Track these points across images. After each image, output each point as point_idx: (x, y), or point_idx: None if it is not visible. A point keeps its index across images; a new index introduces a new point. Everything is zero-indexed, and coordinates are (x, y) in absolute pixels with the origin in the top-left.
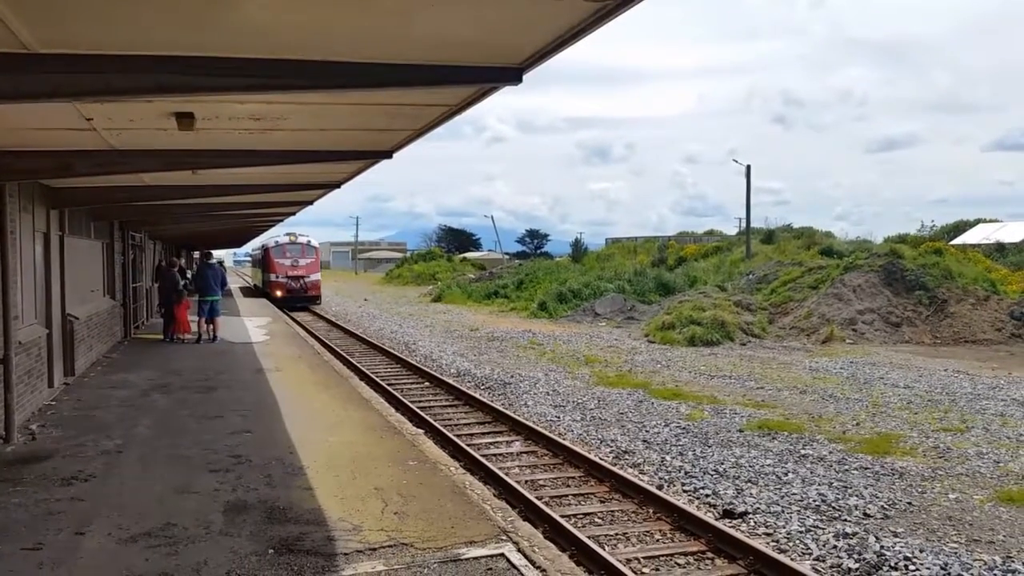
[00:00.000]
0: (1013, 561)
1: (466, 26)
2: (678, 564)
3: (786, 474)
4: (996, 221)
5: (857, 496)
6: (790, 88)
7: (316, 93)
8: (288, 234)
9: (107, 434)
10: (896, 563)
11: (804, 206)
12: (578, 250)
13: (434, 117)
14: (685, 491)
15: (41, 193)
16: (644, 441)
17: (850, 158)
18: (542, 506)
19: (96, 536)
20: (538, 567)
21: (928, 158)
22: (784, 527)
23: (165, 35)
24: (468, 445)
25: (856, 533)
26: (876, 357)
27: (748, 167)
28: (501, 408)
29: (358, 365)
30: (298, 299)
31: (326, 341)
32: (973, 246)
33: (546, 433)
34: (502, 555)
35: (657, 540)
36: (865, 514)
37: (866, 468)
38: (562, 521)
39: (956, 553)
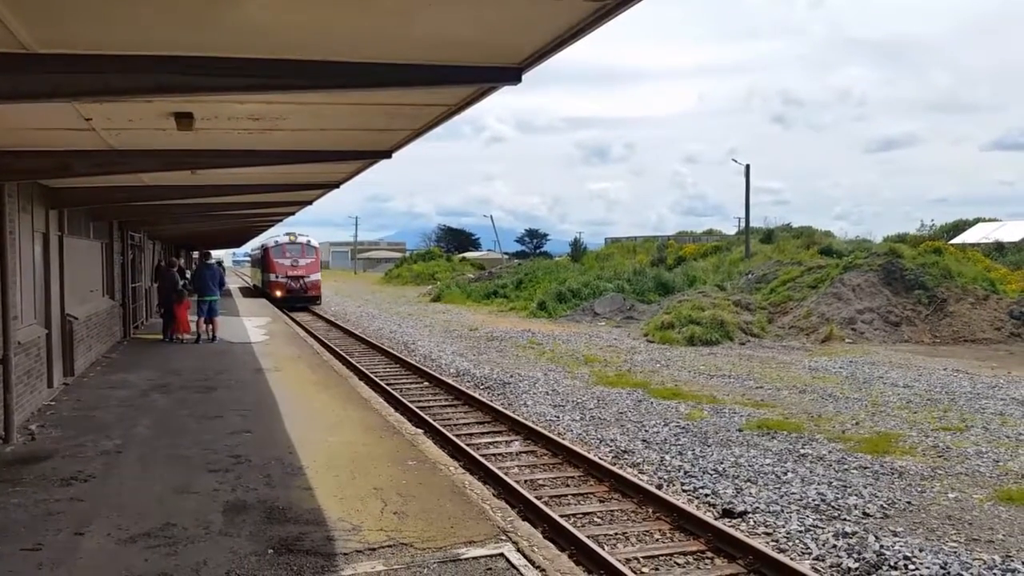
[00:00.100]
0: (1012, 560)
1: (466, 26)
2: (677, 564)
3: (785, 473)
4: (995, 220)
5: (856, 495)
6: (790, 88)
7: (316, 93)
8: (288, 234)
9: (106, 434)
10: (896, 562)
11: (803, 206)
12: (577, 250)
13: (433, 117)
14: (684, 490)
15: (40, 193)
16: (643, 440)
17: (849, 158)
18: (541, 506)
19: (95, 536)
20: (537, 567)
21: (927, 158)
22: (783, 526)
23: (165, 35)
24: (467, 445)
25: (856, 532)
26: (875, 356)
27: (747, 167)
28: (500, 408)
29: (357, 365)
30: (298, 299)
31: (325, 341)
32: (972, 245)
33: (545, 433)
34: (501, 555)
35: (656, 540)
36: (865, 513)
37: (865, 467)
38: (561, 521)
39: (955, 552)
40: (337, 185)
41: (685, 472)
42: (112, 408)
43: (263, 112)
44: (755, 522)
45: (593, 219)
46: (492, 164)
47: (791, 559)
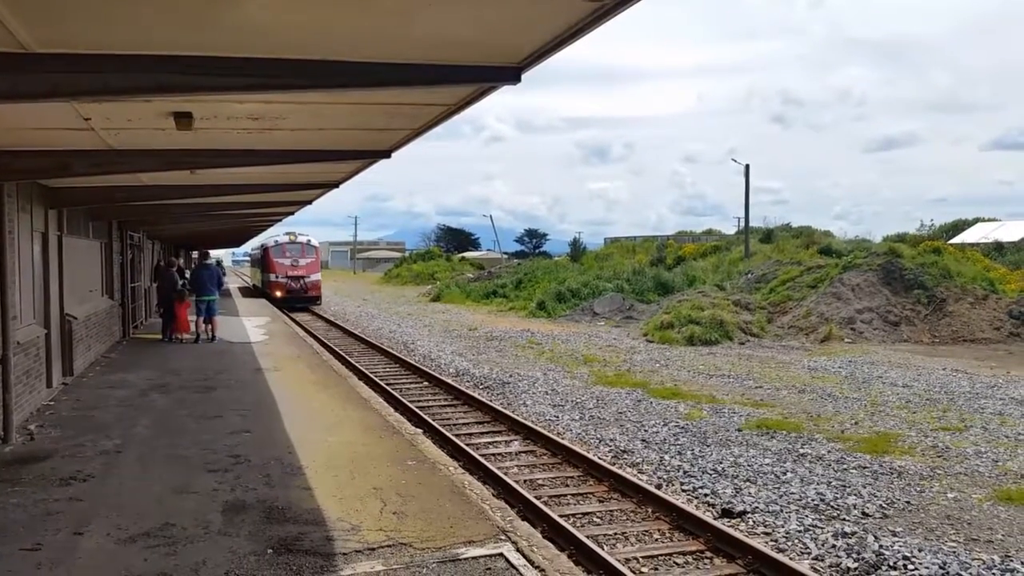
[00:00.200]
0: (1012, 560)
1: (465, 26)
2: (677, 563)
3: (785, 473)
4: (995, 220)
5: (856, 495)
6: (789, 88)
7: (315, 93)
8: (288, 233)
9: (106, 434)
10: (895, 562)
11: (803, 205)
12: (577, 249)
13: (433, 116)
14: (684, 490)
15: (39, 193)
16: (643, 440)
17: (849, 157)
18: (541, 505)
19: (95, 536)
20: (537, 567)
21: (927, 157)
22: (783, 526)
23: (164, 35)
24: (467, 445)
25: (855, 532)
26: (875, 356)
27: (747, 166)
28: (500, 407)
29: (357, 365)
30: (298, 299)
31: (325, 341)
32: (972, 245)
33: (545, 432)
34: (501, 555)
35: (656, 539)
36: (864, 513)
37: (865, 467)
38: (561, 521)
39: (955, 552)
40: (336, 185)
41: (684, 472)
42: (111, 408)
43: (262, 112)
44: (754, 522)
45: (592, 219)
46: (492, 164)
47: (790, 559)
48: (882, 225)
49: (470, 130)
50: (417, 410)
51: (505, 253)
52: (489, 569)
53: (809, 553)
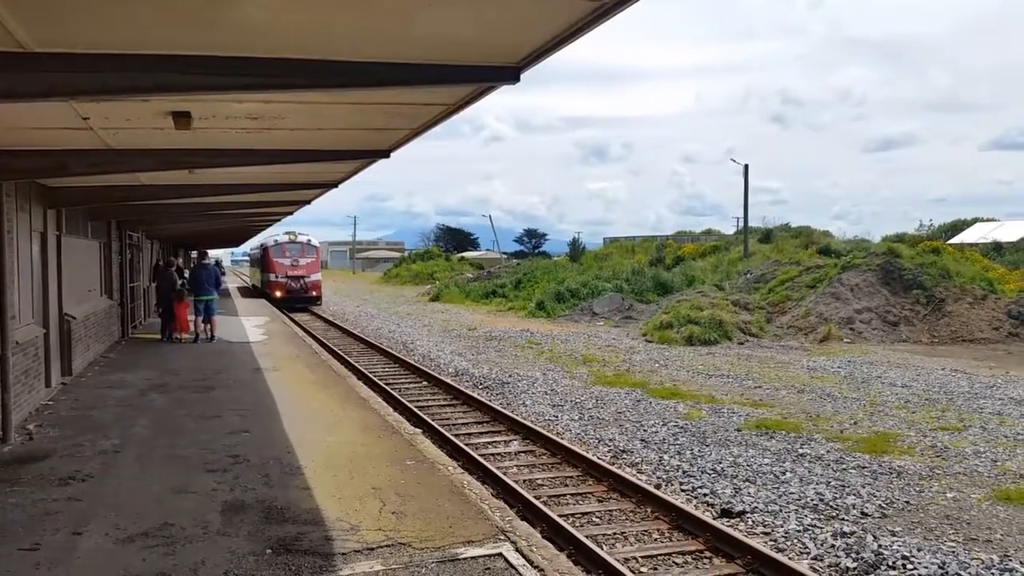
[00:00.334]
0: (1011, 560)
1: (465, 25)
2: (676, 563)
3: (784, 473)
4: (994, 220)
5: (855, 495)
6: (788, 88)
7: (315, 92)
8: (288, 232)
9: (104, 434)
10: (894, 562)
11: (802, 205)
12: (576, 249)
13: (432, 116)
14: (683, 490)
15: (38, 192)
16: (642, 440)
17: (848, 157)
18: (540, 505)
19: (93, 536)
20: (536, 567)
21: (926, 157)
22: (782, 526)
23: (163, 34)
24: (466, 444)
25: (854, 532)
26: (874, 356)
27: (746, 166)
28: (499, 407)
29: (356, 364)
30: (298, 299)
31: (324, 341)
32: (971, 245)
33: (544, 432)
34: (500, 555)
35: (655, 539)
36: (863, 513)
37: (864, 467)
38: (560, 520)
39: (954, 552)
40: (335, 184)
41: (683, 472)
42: (110, 408)
43: (261, 111)
44: (753, 522)
45: (592, 219)
46: (491, 163)
47: (789, 559)
48: (881, 225)
49: (469, 130)
50: (416, 410)
51: (504, 253)
52: (488, 569)
53: (808, 553)
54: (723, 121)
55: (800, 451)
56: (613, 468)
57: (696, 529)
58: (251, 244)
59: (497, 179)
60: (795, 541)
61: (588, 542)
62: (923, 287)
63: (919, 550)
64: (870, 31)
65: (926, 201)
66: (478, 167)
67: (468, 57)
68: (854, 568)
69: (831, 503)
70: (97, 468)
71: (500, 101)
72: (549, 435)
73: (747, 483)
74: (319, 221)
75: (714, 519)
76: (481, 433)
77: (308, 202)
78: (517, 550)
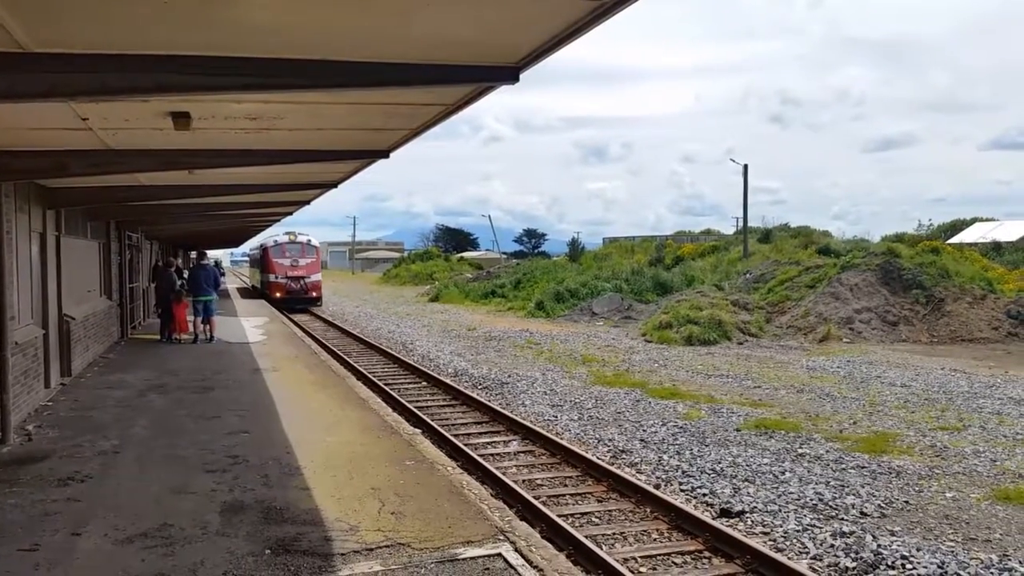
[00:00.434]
0: (1010, 559)
1: (464, 26)
2: (675, 563)
3: (783, 473)
4: (993, 220)
5: (854, 495)
6: (787, 87)
7: (314, 92)
8: (288, 233)
9: (104, 434)
10: (893, 562)
11: (801, 205)
12: (575, 249)
13: (431, 116)
14: (682, 490)
15: (37, 193)
16: (641, 440)
17: (847, 157)
18: (539, 505)
19: (92, 537)
20: (535, 567)
21: (925, 157)
22: (781, 526)
23: (162, 34)
24: (465, 445)
25: (853, 532)
26: (873, 356)
27: (745, 166)
28: (498, 408)
29: (355, 365)
30: (298, 300)
31: (323, 341)
32: (970, 245)
33: (543, 432)
34: (499, 555)
35: (654, 539)
36: (862, 513)
37: (863, 467)
38: (559, 521)
39: (953, 552)
40: (335, 185)
41: (683, 472)
42: (109, 408)
43: (260, 112)
44: (753, 521)
45: (591, 219)
46: (490, 164)
47: (789, 558)
48: (880, 225)
49: (468, 130)
50: (415, 410)
51: (504, 253)
52: (487, 569)
53: (807, 553)
54: (722, 121)
55: (799, 451)
56: (612, 468)
57: (695, 529)
58: (251, 244)
59: (496, 179)
60: (794, 541)
61: (587, 542)
62: (922, 287)
63: (918, 550)
64: (869, 31)
65: (925, 201)
66: (477, 167)
67: (467, 57)
68: (853, 568)
69: (830, 503)
70: (96, 469)
71: (499, 101)
72: (548, 435)
73: (746, 483)
74: (318, 221)
75: (713, 519)
76: (480, 433)
77: (307, 202)
78: (516, 550)
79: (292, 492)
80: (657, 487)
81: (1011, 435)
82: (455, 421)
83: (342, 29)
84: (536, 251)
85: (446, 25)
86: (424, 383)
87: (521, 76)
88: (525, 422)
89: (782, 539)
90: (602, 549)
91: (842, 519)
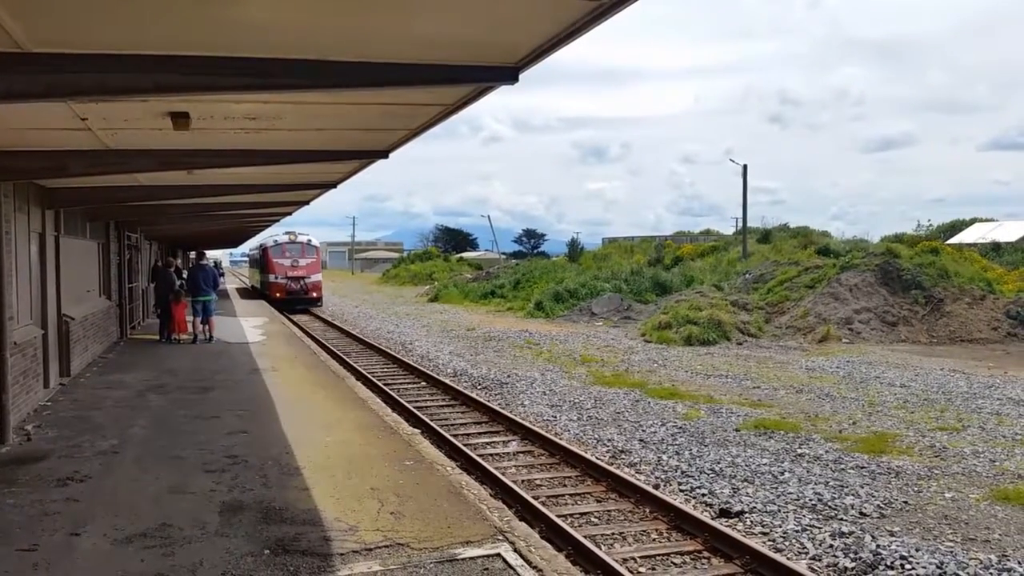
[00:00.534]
0: (1008, 560)
1: (464, 26)
2: (674, 563)
3: (782, 473)
4: (992, 220)
5: (853, 495)
6: (787, 88)
7: (313, 92)
8: (288, 232)
9: (103, 434)
10: (892, 562)
11: (800, 205)
12: (575, 250)
13: (430, 116)
14: (681, 490)
15: (36, 193)
16: (641, 440)
17: (847, 158)
18: (538, 506)
19: (91, 537)
20: (534, 567)
21: (924, 158)
22: (780, 526)
23: (161, 34)
24: (465, 445)
25: (852, 532)
26: (872, 356)
27: (744, 167)
28: (498, 408)
29: (354, 365)
30: (298, 301)
31: (322, 341)
32: (969, 245)
33: (543, 433)
34: (498, 555)
35: (653, 539)
36: (861, 513)
37: (862, 467)
38: (558, 521)
39: (952, 552)
40: (334, 185)
41: (682, 472)
42: (108, 408)
43: (260, 112)
44: (752, 522)
45: (590, 219)
46: (489, 164)
47: (788, 559)
48: (879, 225)
49: (468, 130)
50: (415, 410)
51: (503, 253)
52: (486, 569)
53: (807, 553)
54: (722, 121)
55: (798, 451)
56: (612, 468)
57: (694, 529)
58: (250, 244)
59: (496, 179)
60: (793, 541)
61: (586, 542)
62: (922, 287)
63: (917, 550)
64: (869, 31)
65: (924, 201)
66: (477, 167)
67: (467, 57)
68: (852, 568)
69: (829, 503)
70: (95, 469)
71: (499, 101)
72: (547, 435)
73: (745, 483)
74: (318, 221)
75: (712, 519)
76: (479, 433)
77: (307, 202)
78: (515, 550)
79: (291, 492)
80: (656, 487)
81: (1010, 435)
82: (454, 421)
83: (341, 29)
84: (535, 251)
85: (446, 25)
86: (423, 383)
87: (521, 76)
88: (524, 422)
89: (781, 539)
90: (601, 549)
91: (841, 519)
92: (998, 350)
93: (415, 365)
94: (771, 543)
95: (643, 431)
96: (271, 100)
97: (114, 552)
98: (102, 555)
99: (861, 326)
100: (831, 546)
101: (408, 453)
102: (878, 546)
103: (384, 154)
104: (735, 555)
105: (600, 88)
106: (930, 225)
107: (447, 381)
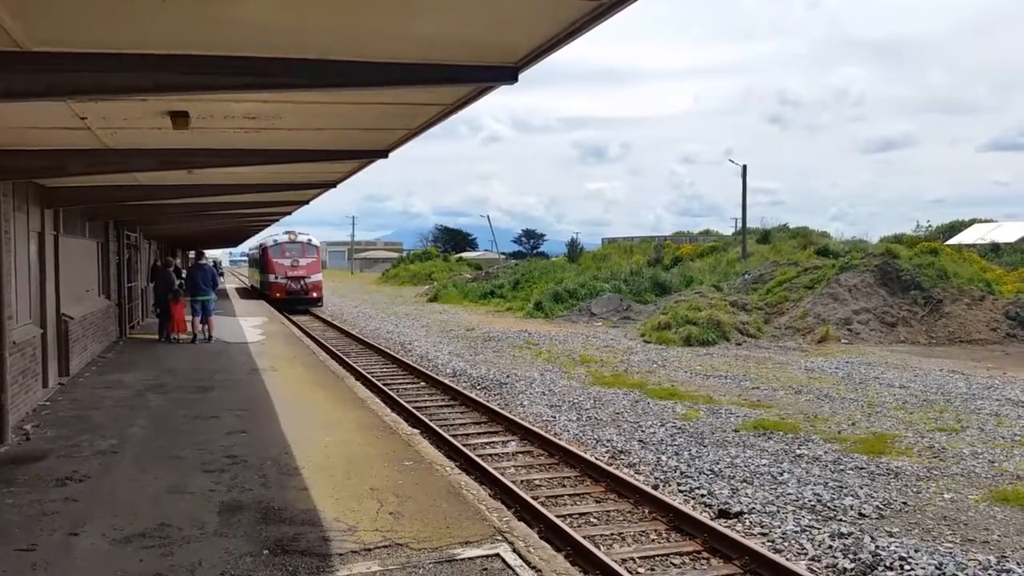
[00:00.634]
0: (1008, 561)
1: (463, 25)
2: (674, 564)
3: (781, 474)
4: (991, 221)
5: (852, 496)
6: (787, 88)
7: (313, 92)
8: (288, 232)
9: (102, 434)
10: (891, 563)
11: (800, 206)
12: (574, 250)
13: (430, 116)
14: (681, 491)
15: (35, 192)
16: (640, 441)
17: (846, 158)
18: (538, 506)
19: (90, 537)
20: (533, 567)
21: (924, 158)
22: (779, 527)
23: (161, 33)
24: (464, 445)
25: (851, 533)
26: (871, 357)
27: (744, 167)
28: (497, 408)
29: (354, 365)
30: (299, 301)
31: (322, 341)
32: (968, 246)
33: (542, 433)
34: (497, 555)
35: (653, 540)
36: (860, 514)
37: (861, 468)
38: (557, 521)
39: (951, 553)
40: (334, 185)
41: (681, 472)
42: (107, 408)
43: (259, 111)
44: (751, 522)
45: (590, 219)
46: (489, 164)
47: (787, 559)
48: (879, 226)
49: (467, 130)
50: (414, 410)
51: (502, 253)
52: (486, 570)
53: (806, 554)
54: (721, 122)
55: (798, 452)
56: (611, 469)
57: (694, 530)
58: (250, 244)
59: (495, 179)
60: (792, 542)
61: (586, 543)
62: (921, 288)
63: (916, 551)
64: (868, 31)
65: (924, 202)
66: (476, 167)
67: (467, 57)
68: (851, 569)
69: (829, 504)
70: (94, 468)
71: (498, 101)
72: (547, 436)
73: (745, 484)
74: (317, 221)
75: (712, 520)
76: (479, 434)
77: (306, 202)
78: (514, 551)
79: (290, 492)
80: (655, 488)
81: (1009, 436)
82: (453, 421)
83: (341, 29)
84: (535, 251)
85: (445, 25)
86: (423, 383)
87: (520, 76)
88: (523, 422)
89: (780, 540)
90: (600, 550)
91: (840, 520)
92: (997, 351)
93: (414, 365)
94: (770, 544)
95: (642, 431)
96: (271, 99)
97: (113, 552)
98: (101, 555)
99: (860, 327)
100: (830, 547)
101: (407, 453)
102: (877, 547)
103: (384, 154)
104: (734, 556)
105: (600, 88)
106: (929, 226)
107: (446, 381)
